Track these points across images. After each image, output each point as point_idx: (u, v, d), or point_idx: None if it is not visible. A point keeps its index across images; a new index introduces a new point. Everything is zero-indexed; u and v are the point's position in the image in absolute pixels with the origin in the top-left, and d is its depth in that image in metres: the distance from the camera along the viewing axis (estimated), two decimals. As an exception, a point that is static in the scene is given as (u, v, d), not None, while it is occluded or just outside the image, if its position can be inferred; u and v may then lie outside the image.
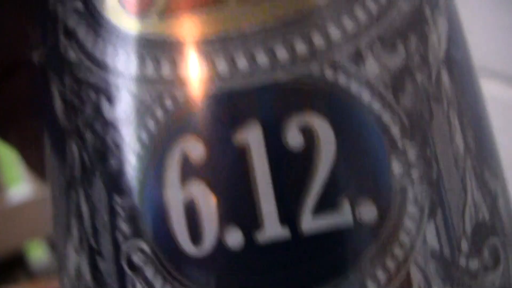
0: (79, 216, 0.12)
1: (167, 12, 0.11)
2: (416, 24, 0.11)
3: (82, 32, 0.12)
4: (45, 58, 0.14)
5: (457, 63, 0.12)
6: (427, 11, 0.11)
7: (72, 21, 0.12)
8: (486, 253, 0.11)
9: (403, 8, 0.11)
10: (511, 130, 0.60)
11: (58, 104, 0.13)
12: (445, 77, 0.11)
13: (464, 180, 0.11)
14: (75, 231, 0.12)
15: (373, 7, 0.11)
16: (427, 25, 0.11)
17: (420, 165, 0.10)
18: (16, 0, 0.17)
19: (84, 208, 0.12)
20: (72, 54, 0.12)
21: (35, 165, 0.19)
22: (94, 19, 0.11)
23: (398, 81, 0.10)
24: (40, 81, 0.14)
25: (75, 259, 0.12)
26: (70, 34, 0.12)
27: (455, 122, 0.11)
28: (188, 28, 0.11)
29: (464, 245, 0.11)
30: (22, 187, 1.09)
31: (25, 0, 0.17)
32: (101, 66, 0.11)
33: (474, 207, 0.11)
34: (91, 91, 0.12)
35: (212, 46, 0.11)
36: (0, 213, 1.07)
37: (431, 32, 0.11)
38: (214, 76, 0.11)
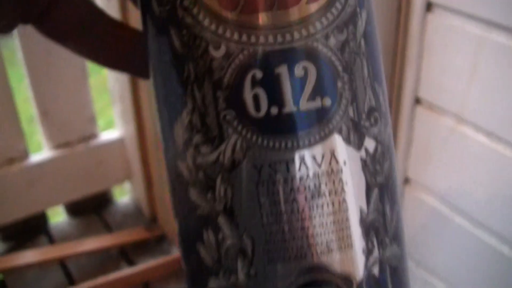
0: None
1: None
2: (352, 18, 0.20)
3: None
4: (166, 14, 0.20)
5: (369, 34, 0.21)
6: (358, 10, 0.20)
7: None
8: (372, 119, 0.21)
9: (348, 10, 0.20)
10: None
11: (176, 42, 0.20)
12: (363, 42, 0.20)
13: (366, 88, 0.21)
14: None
15: (335, 11, 0.20)
16: (357, 17, 0.20)
17: (348, 82, 0.20)
18: None
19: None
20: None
21: (108, 61, 0.25)
22: None
23: (343, 46, 0.20)
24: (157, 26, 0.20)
25: (189, 118, 0.20)
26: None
27: (365, 63, 0.20)
28: None
29: (363, 116, 0.21)
30: (43, 154, 1.12)
31: None
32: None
33: (369, 99, 0.21)
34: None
35: None
36: (22, 179, 1.10)
37: (359, 20, 0.20)
38: None
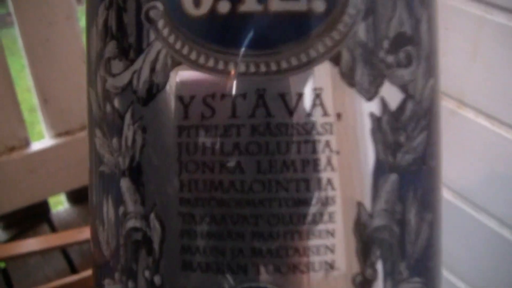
0: None
1: None
2: None
3: None
4: None
5: None
6: None
7: None
8: (401, 55, 0.12)
9: None
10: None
11: None
12: None
13: (396, 2, 0.13)
14: None
15: None
16: None
17: None
18: None
19: None
20: None
21: None
22: None
23: None
24: None
25: (104, 17, 0.13)
26: None
27: None
28: None
29: (385, 44, 0.12)
30: (44, 142, 1.11)
31: None
32: None
33: (399, 20, 0.13)
34: None
35: None
36: (24, 167, 1.10)
37: None
38: None
